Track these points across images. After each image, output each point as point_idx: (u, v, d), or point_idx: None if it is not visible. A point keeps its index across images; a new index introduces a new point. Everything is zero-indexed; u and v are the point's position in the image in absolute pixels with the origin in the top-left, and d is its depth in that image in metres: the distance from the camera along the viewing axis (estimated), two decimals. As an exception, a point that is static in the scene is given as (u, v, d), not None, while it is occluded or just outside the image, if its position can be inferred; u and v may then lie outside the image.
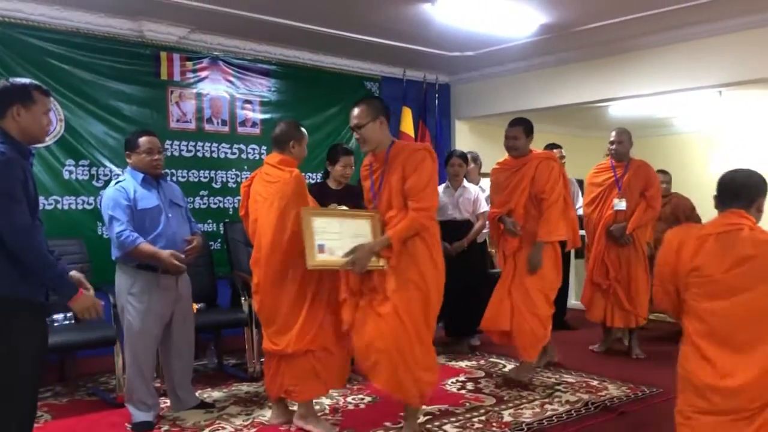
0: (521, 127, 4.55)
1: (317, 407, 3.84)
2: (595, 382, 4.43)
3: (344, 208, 3.77)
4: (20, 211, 2.41)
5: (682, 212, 5.84)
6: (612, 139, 5.20)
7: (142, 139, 3.73)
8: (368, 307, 3.32)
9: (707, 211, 8.08)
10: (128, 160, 3.79)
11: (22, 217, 2.41)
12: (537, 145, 6.87)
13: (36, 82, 2.66)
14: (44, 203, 5.13)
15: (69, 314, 4.32)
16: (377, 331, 3.24)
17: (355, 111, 3.38)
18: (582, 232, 5.29)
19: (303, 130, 3.75)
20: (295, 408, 3.68)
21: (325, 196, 4.37)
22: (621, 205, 5.03)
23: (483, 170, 6.35)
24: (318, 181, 6.56)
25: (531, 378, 4.51)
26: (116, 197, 3.62)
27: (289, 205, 3.40)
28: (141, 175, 3.71)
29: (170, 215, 3.73)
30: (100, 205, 3.85)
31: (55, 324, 4.25)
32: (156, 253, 3.60)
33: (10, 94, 2.52)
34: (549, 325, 4.49)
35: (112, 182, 3.83)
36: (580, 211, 5.53)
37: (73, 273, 2.66)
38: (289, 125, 3.72)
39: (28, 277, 2.45)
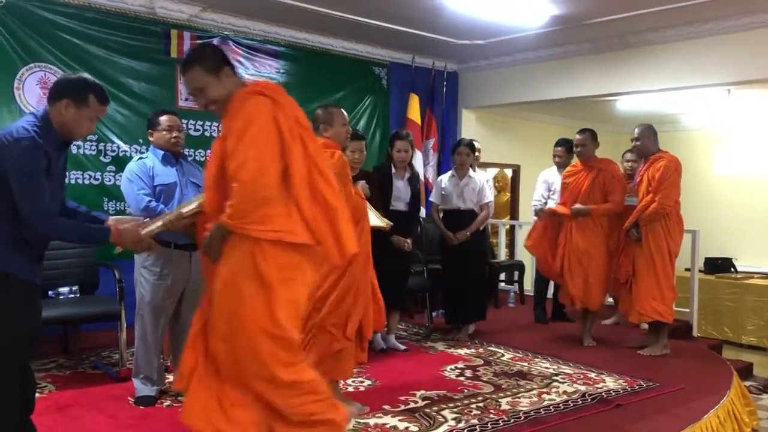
0: (588, 133, 5.34)
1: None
2: (592, 374, 4.48)
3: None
4: (42, 195, 2.45)
5: None
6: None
7: (163, 118, 3.86)
8: None
9: (712, 209, 8.28)
10: (150, 138, 3.89)
11: (43, 201, 2.46)
12: (548, 138, 6.94)
13: (99, 86, 2.64)
14: (51, 177, 5.15)
15: (75, 287, 4.36)
16: None
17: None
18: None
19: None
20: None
21: None
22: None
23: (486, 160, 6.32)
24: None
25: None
26: (137, 170, 3.72)
27: None
28: (162, 153, 3.81)
29: (186, 193, 3.79)
30: (122, 185, 3.86)
31: (60, 297, 4.29)
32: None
33: (68, 88, 2.56)
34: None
35: (134, 158, 3.92)
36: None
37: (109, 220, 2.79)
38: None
39: (20, 254, 2.49)
